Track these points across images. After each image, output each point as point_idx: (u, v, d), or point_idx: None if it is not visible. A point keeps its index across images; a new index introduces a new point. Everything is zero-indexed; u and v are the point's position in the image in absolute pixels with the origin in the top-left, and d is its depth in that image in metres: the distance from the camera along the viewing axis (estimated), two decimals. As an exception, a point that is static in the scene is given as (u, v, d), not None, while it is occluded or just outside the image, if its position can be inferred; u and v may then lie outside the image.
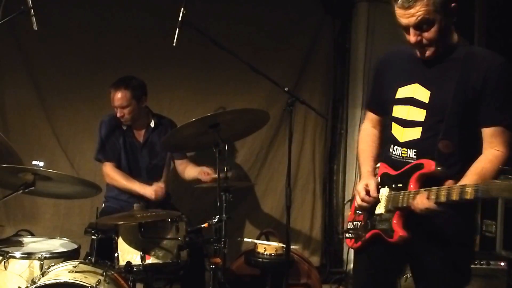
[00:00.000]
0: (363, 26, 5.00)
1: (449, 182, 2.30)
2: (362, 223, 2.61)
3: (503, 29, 4.50)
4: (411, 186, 2.39)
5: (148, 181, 4.01)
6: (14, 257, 3.08)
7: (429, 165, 2.36)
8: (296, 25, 5.04)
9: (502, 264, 3.71)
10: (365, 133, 2.74)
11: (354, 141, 5.01)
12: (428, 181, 2.37)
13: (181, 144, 3.64)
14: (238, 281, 4.17)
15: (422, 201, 2.28)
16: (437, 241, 2.41)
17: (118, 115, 3.92)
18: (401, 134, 2.48)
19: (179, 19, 3.32)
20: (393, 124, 2.52)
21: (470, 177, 2.28)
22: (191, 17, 3.37)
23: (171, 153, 4.13)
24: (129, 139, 4.03)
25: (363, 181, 2.58)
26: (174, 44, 3.32)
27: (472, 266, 3.43)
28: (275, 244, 3.95)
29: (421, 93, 2.41)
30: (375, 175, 2.61)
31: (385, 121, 2.64)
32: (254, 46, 4.82)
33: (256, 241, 4.08)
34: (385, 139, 2.62)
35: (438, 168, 2.34)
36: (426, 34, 2.31)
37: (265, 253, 3.91)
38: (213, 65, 4.76)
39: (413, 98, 2.44)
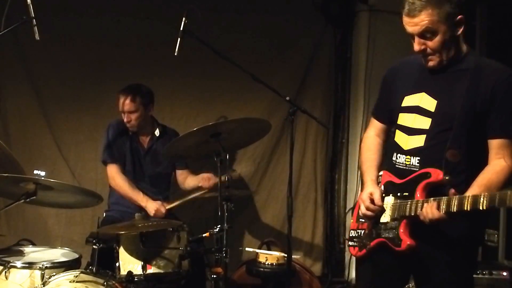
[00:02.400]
0: (364, 36, 5.01)
1: (452, 192, 2.29)
2: (366, 232, 2.59)
3: (504, 39, 4.51)
4: (418, 195, 2.38)
5: (151, 188, 4.02)
6: (15, 266, 3.07)
7: (437, 174, 2.35)
8: (297, 34, 5.05)
9: (505, 274, 3.69)
10: (368, 141, 2.73)
11: (356, 150, 5.01)
12: (433, 190, 2.37)
13: (183, 153, 3.64)
14: (239, 291, 4.16)
15: (431, 211, 2.27)
16: (443, 246, 2.40)
17: (125, 120, 3.96)
18: (406, 142, 2.48)
19: (181, 29, 3.33)
20: (398, 132, 2.53)
21: (476, 188, 2.28)
22: (193, 27, 3.39)
23: (173, 162, 4.14)
24: (134, 144, 4.06)
25: (367, 189, 2.56)
26: (175, 54, 3.33)
27: (474, 276, 3.45)
28: (277, 253, 3.94)
29: (428, 102, 2.43)
30: (378, 183, 2.60)
31: (389, 130, 2.66)
32: (255, 56, 4.83)
33: (257, 250, 4.07)
34: (389, 147, 2.63)
35: (446, 177, 2.34)
36: (430, 43, 2.33)
37: (266, 263, 3.90)
38: (215, 74, 4.77)
39: (419, 106, 2.45)
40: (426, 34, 2.31)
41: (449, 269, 2.42)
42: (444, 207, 2.25)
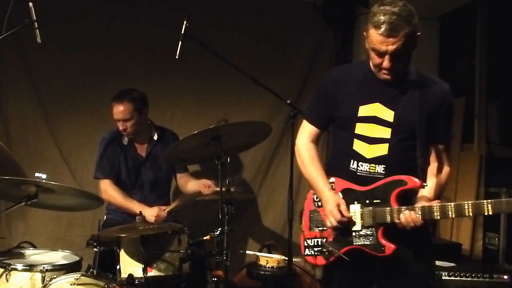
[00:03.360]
0: (364, 40, 5.00)
1: (424, 198, 2.53)
2: (331, 239, 2.65)
3: (504, 41, 4.51)
4: (392, 201, 2.51)
5: (150, 193, 4.01)
6: (16, 269, 3.08)
7: (412, 182, 2.50)
8: (298, 38, 5.07)
9: (505, 277, 3.69)
10: (307, 148, 2.79)
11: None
12: (404, 196, 2.52)
13: (183, 156, 3.64)
14: (240, 294, 4.16)
15: (413, 218, 2.44)
16: (412, 245, 2.56)
17: (121, 128, 3.92)
18: (367, 150, 2.59)
19: (182, 32, 3.33)
20: (356, 141, 2.61)
21: (434, 193, 2.57)
22: (194, 30, 3.39)
23: (173, 165, 4.13)
24: (130, 154, 4.02)
25: (330, 201, 2.60)
26: (177, 57, 3.33)
27: (475, 279, 3.50)
28: (277, 256, 3.94)
29: (384, 112, 2.56)
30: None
31: (321, 135, 2.79)
32: (256, 59, 4.85)
33: (258, 253, 4.06)
34: (342, 154, 2.68)
35: (425, 184, 2.54)
36: (397, 63, 2.44)
37: (267, 266, 3.90)
38: (215, 77, 4.78)
39: (376, 116, 2.57)
40: (399, 54, 2.40)
41: (420, 261, 2.60)
42: (425, 214, 2.44)
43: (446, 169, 2.66)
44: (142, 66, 4.74)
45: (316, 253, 2.71)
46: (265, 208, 5.07)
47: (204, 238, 3.22)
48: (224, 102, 4.95)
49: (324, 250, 2.66)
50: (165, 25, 4.53)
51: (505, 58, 4.46)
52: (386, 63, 2.44)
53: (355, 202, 2.60)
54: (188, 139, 3.31)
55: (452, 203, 2.40)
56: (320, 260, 2.70)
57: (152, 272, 3.12)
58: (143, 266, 3.12)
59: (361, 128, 2.60)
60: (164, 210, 3.91)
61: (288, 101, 3.57)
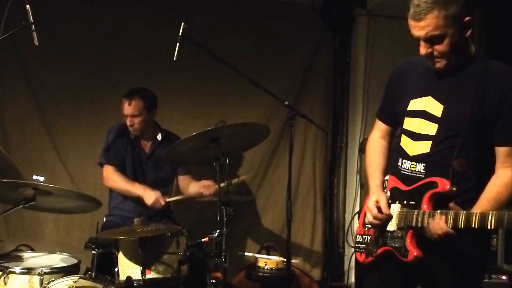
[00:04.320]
0: (362, 40, 5.02)
1: (451, 205, 2.24)
2: (373, 238, 2.53)
3: (503, 42, 4.51)
4: (424, 206, 2.32)
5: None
6: (14, 272, 3.06)
7: (443, 185, 2.29)
8: (296, 39, 5.06)
9: (504, 278, 3.69)
10: (374, 144, 2.67)
11: (355, 154, 5.02)
12: (440, 200, 2.30)
13: (182, 157, 3.64)
14: (238, 296, 4.15)
15: (439, 225, 2.21)
16: (451, 261, 2.35)
17: (128, 123, 3.96)
18: (411, 147, 2.42)
19: (180, 34, 3.34)
20: (403, 137, 2.47)
21: (485, 203, 2.23)
22: (192, 32, 3.39)
23: (173, 166, 4.14)
24: (136, 149, 4.06)
25: (373, 196, 2.49)
26: (174, 59, 3.33)
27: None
28: (276, 258, 3.94)
29: (434, 106, 2.36)
30: (384, 188, 2.54)
31: (395, 132, 2.62)
32: (254, 60, 4.85)
33: (256, 255, 4.06)
34: (395, 151, 2.56)
35: (454, 188, 2.27)
36: (437, 47, 2.25)
37: (266, 267, 3.89)
38: (214, 79, 4.78)
39: (425, 111, 2.38)
40: (432, 38, 2.23)
41: (455, 284, 2.36)
42: (451, 221, 2.19)
43: (510, 176, 2.28)
44: (140, 68, 4.73)
45: (361, 250, 2.59)
46: (264, 209, 5.06)
47: (203, 240, 3.22)
48: (222, 104, 4.95)
49: (363, 247, 2.57)
50: (163, 27, 4.52)
51: (503, 59, 4.45)
52: (422, 49, 2.26)
53: (397, 202, 2.45)
54: (186, 140, 3.31)
55: (477, 211, 2.15)
56: (362, 258, 2.58)
57: (150, 275, 3.12)
58: (141, 268, 3.11)
59: (408, 123, 2.43)
60: (165, 199, 3.90)
61: (286, 103, 3.59)
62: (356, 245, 2.62)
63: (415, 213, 2.32)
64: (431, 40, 2.23)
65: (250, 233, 5.00)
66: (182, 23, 3.36)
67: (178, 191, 4.29)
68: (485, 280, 3.66)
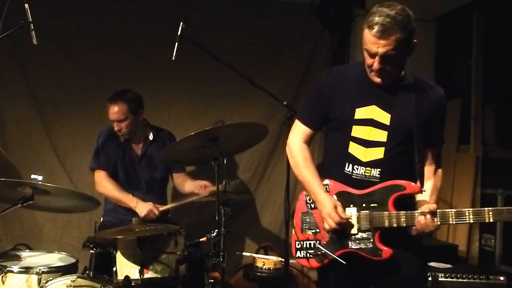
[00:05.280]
0: (361, 40, 5.01)
1: (422, 201, 2.54)
2: (325, 242, 2.64)
3: (501, 43, 4.52)
4: (390, 206, 2.52)
5: (147, 193, 3.99)
6: (11, 271, 3.06)
7: (411, 187, 2.51)
8: (295, 39, 5.07)
9: (502, 278, 3.69)
10: (300, 148, 2.76)
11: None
12: (401, 201, 2.53)
13: (180, 158, 3.64)
14: (236, 296, 4.15)
15: (430, 224, 2.47)
16: (414, 251, 2.61)
17: (116, 128, 3.91)
18: (363, 154, 2.59)
19: (179, 34, 3.34)
20: (352, 144, 2.60)
21: (434, 197, 2.60)
22: (190, 32, 3.39)
23: (169, 166, 4.13)
24: (127, 152, 4.02)
25: (327, 203, 2.58)
26: (173, 58, 3.33)
27: (471, 280, 3.51)
28: (274, 258, 3.93)
29: (381, 115, 2.56)
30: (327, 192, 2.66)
31: (314, 136, 2.77)
32: (253, 60, 4.85)
33: (254, 255, 4.06)
34: (337, 156, 2.67)
35: (424, 190, 2.53)
36: (388, 66, 2.44)
37: (264, 267, 3.89)
38: (212, 78, 4.78)
39: (373, 119, 2.56)
40: (389, 57, 2.40)
41: (421, 267, 2.68)
42: (441, 220, 2.47)
43: (440, 172, 2.68)
44: (139, 68, 4.73)
45: (309, 255, 2.69)
46: (262, 209, 5.06)
47: (201, 239, 3.22)
48: (221, 104, 4.95)
49: (318, 252, 2.65)
50: (161, 27, 4.52)
51: (501, 59, 4.46)
52: (375, 64, 2.44)
53: (351, 205, 2.59)
54: (184, 140, 3.31)
55: (470, 209, 2.45)
56: (314, 263, 2.69)
57: (148, 274, 3.12)
58: (139, 268, 3.11)
59: (357, 131, 2.59)
60: (158, 208, 3.89)
61: (285, 103, 3.59)
62: (302, 252, 2.71)
63: (386, 214, 2.52)
64: (385, 58, 2.41)
65: (248, 233, 5.01)
66: (181, 23, 3.36)
67: (175, 196, 4.27)
68: (483, 281, 3.68)
